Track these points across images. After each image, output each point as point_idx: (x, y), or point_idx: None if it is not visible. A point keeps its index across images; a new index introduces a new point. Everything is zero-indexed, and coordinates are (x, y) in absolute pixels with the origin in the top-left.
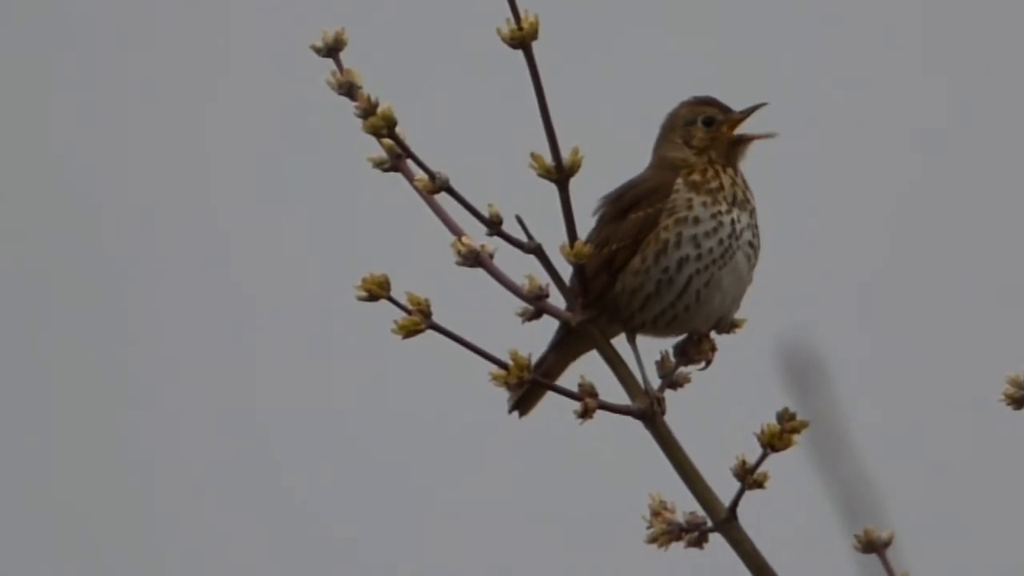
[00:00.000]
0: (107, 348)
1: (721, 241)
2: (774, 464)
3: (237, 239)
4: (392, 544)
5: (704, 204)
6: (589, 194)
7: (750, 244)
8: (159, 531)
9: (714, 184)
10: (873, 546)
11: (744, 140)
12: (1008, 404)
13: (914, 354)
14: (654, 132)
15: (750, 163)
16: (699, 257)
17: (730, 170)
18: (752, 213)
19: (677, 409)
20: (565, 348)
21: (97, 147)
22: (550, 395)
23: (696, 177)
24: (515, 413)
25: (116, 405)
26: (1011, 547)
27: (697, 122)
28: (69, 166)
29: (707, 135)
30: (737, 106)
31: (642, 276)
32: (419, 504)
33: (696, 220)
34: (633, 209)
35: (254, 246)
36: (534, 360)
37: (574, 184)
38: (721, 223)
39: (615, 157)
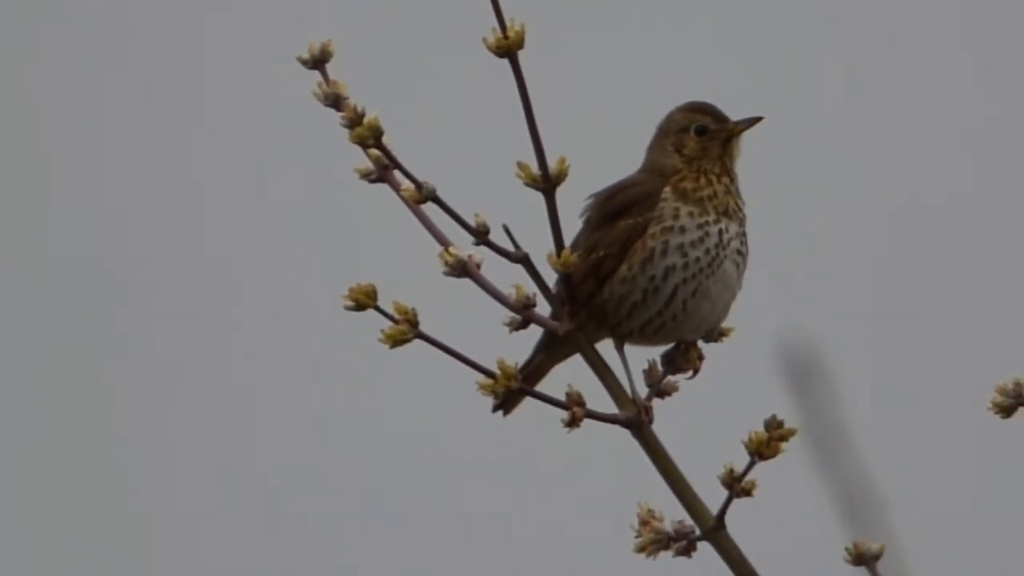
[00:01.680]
0: (97, 354)
1: (708, 251)
2: (766, 471)
3: (225, 247)
4: (380, 550)
5: (691, 214)
6: (577, 203)
7: (738, 252)
8: (152, 537)
9: (706, 192)
10: (863, 559)
11: (732, 136)
12: (997, 413)
13: (915, 354)
14: (643, 139)
15: (747, 164)
16: (686, 266)
17: (725, 179)
18: (742, 222)
19: (665, 418)
20: (551, 353)
21: (88, 152)
22: (537, 404)
23: (687, 184)
24: (500, 415)
25: (107, 412)
26: (1012, 548)
27: (690, 130)
28: (59, 170)
29: (698, 145)
30: (735, 114)
31: (629, 284)
32: (407, 511)
33: (682, 230)
34: (622, 215)
35: (241, 254)
36: (520, 366)
37: (561, 193)
38: (707, 233)
39: (602, 165)
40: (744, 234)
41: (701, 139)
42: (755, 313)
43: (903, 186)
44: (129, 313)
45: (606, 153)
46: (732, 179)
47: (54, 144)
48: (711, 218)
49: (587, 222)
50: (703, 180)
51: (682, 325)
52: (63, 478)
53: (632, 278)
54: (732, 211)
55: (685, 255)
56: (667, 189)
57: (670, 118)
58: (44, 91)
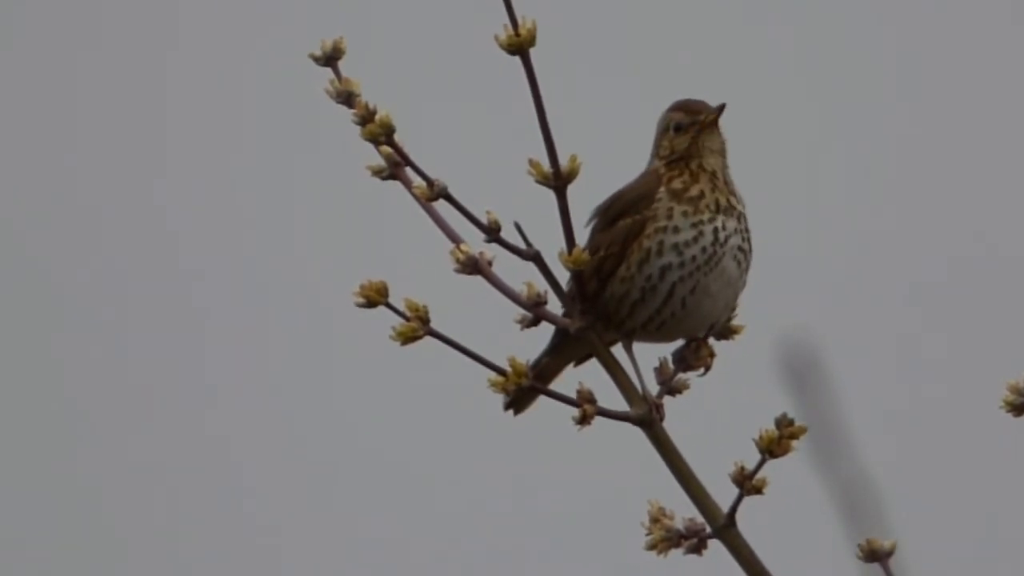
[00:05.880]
0: (105, 347)
1: (704, 249)
2: (775, 469)
3: (234, 245)
4: (389, 549)
5: (684, 213)
6: (587, 200)
7: (739, 249)
8: (148, 542)
9: (694, 192)
10: (876, 556)
11: (703, 128)
12: (1008, 411)
13: (916, 354)
14: (652, 136)
15: (749, 166)
16: (682, 264)
17: (710, 175)
18: (740, 218)
19: (676, 415)
20: (562, 352)
21: (91, 158)
22: (548, 401)
23: (677, 185)
24: (511, 413)
25: (107, 410)
26: (1015, 548)
27: (670, 129)
28: (58, 185)
29: (671, 143)
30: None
31: (628, 283)
32: (417, 510)
33: (676, 229)
34: (621, 217)
35: (251, 252)
36: (530, 365)
37: (572, 190)
38: (702, 232)
39: (614, 163)
40: (746, 230)
41: (676, 137)
42: (768, 311)
43: (903, 185)
44: (127, 312)
45: (617, 151)
46: (714, 174)
47: (62, 162)
48: (705, 216)
49: (592, 229)
50: (688, 179)
51: (683, 322)
52: (27, 477)
53: (630, 277)
54: (726, 208)
55: (680, 253)
56: (662, 189)
57: (660, 120)
58: (41, 92)
